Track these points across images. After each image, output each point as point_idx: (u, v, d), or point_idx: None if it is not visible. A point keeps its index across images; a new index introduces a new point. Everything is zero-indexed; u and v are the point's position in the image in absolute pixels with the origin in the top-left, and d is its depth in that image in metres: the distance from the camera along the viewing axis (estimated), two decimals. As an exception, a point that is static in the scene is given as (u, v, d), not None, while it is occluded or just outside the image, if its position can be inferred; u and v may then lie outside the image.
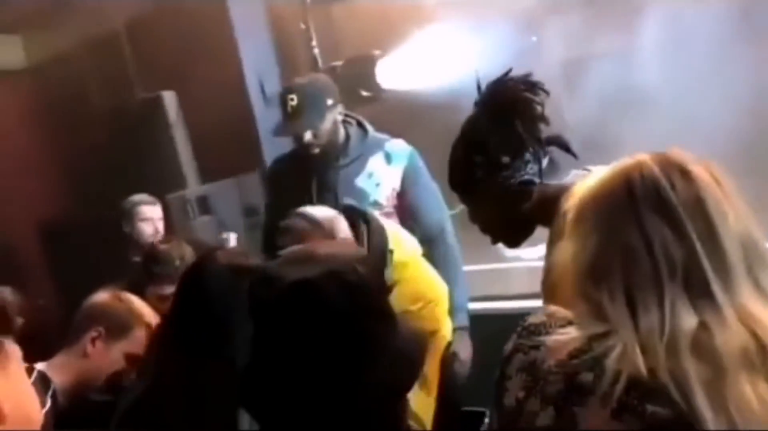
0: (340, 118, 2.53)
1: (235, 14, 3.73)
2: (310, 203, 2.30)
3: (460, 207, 2.89)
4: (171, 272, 2.15)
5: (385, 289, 1.04)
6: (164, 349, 1.14)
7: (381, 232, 1.93)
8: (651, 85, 3.11)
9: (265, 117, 3.73)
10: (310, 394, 0.93)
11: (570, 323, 0.99)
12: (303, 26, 3.67)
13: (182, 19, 3.85)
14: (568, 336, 0.95)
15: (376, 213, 2.47)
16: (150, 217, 3.16)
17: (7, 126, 4.78)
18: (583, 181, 1.37)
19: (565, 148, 1.49)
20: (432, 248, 2.53)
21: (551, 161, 1.47)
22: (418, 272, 1.99)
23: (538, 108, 1.46)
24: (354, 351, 0.94)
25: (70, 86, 4.49)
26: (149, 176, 3.89)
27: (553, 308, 1.05)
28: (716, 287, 0.91)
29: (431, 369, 1.95)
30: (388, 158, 2.54)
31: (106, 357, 1.81)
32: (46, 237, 4.62)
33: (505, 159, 1.44)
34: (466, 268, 2.74)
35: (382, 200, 2.51)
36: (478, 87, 1.51)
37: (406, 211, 2.55)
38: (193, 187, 4.02)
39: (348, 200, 2.43)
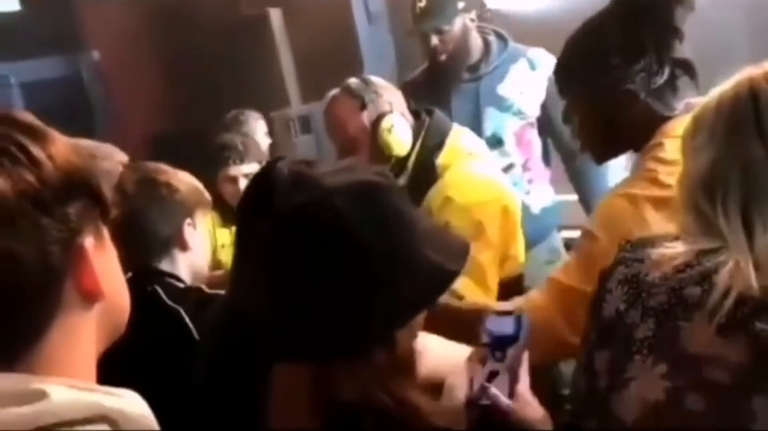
0: (472, 24, 2.45)
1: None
2: (449, 114, 2.22)
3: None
4: (236, 155, 2.48)
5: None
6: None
7: (443, 125, 1.87)
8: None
9: (369, 36, 3.71)
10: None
11: (677, 238, 0.95)
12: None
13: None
14: (674, 250, 0.92)
15: (519, 122, 2.43)
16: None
17: (122, 43, 4.96)
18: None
19: (690, 73, 1.35)
20: (576, 161, 2.48)
21: (671, 83, 1.34)
22: (465, 171, 1.84)
23: (676, 19, 1.32)
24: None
25: (179, 1, 4.58)
26: (254, 92, 3.96)
27: (663, 226, 1.01)
28: None
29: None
30: (532, 64, 2.44)
31: None
32: (157, 149, 4.83)
33: (615, 61, 1.32)
34: (569, 197, 2.69)
35: (526, 110, 2.43)
36: None
37: (547, 122, 2.47)
38: (296, 105, 4.08)
39: (489, 109, 2.40)
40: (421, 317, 0.99)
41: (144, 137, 4.81)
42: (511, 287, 1.82)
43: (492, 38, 2.50)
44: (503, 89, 2.43)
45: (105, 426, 0.62)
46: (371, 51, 3.74)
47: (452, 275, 0.95)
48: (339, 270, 0.89)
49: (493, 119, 2.41)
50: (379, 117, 1.80)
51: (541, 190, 2.50)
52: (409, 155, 1.82)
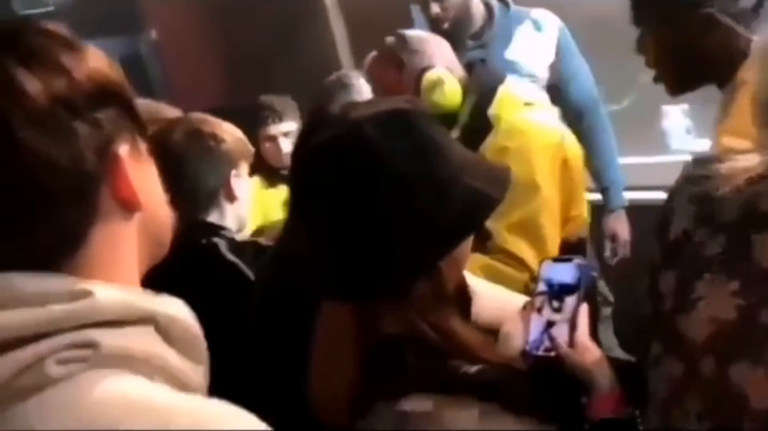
0: None
1: None
2: None
3: (625, 102, 2.69)
4: (274, 115, 2.55)
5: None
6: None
7: (496, 74, 1.80)
8: None
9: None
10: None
11: (749, 152, 0.89)
12: None
13: None
14: (746, 162, 0.86)
15: (531, 85, 2.32)
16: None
17: (177, 20, 5.03)
18: None
19: None
20: (585, 121, 2.45)
21: (758, 6, 1.23)
22: (520, 119, 1.74)
23: None
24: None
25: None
26: (308, 63, 3.96)
27: (728, 140, 0.95)
28: None
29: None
30: (537, 25, 2.40)
31: None
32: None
33: None
34: (630, 160, 2.60)
35: (536, 72, 2.38)
36: None
37: (558, 82, 2.43)
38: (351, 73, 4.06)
39: None
40: (465, 249, 0.96)
41: (203, 110, 4.88)
42: (573, 249, 1.69)
43: (494, 3, 2.46)
44: (511, 53, 2.38)
45: (150, 328, 0.62)
46: (424, 19, 3.68)
47: (493, 201, 0.92)
48: (373, 200, 0.87)
49: None
50: (422, 73, 1.71)
51: None
52: (460, 109, 1.74)
